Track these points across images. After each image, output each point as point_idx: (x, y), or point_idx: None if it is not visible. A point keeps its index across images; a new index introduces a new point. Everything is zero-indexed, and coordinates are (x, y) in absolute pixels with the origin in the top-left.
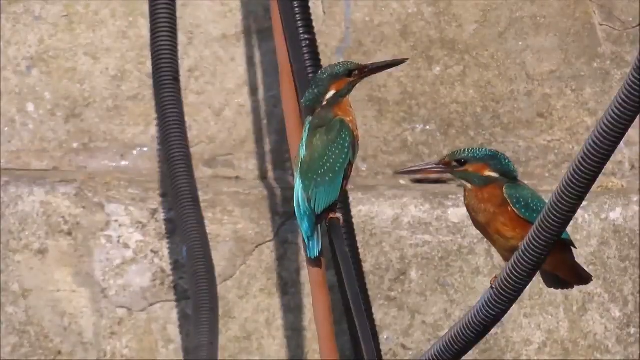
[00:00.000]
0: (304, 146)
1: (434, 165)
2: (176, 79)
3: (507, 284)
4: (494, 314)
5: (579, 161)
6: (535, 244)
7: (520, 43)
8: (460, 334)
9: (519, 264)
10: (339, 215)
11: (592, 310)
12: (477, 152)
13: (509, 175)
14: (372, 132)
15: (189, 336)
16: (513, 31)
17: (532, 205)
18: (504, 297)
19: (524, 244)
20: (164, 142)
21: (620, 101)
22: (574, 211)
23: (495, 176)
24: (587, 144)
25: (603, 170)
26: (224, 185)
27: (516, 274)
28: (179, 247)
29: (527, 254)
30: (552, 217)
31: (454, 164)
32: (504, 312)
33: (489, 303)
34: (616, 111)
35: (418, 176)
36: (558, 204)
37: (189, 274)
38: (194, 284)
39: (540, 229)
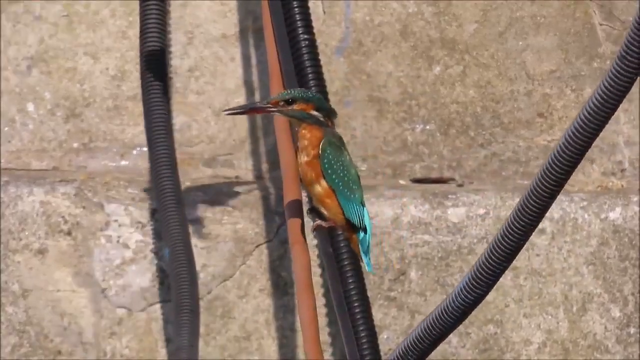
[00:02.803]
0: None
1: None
2: (163, 79)
3: (485, 268)
4: (472, 298)
5: (560, 147)
6: (514, 228)
7: (520, 43)
8: (438, 319)
9: (496, 248)
10: (324, 223)
11: (592, 310)
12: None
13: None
14: (372, 132)
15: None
16: (513, 31)
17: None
18: (482, 282)
19: (503, 228)
20: (150, 143)
21: (601, 92)
22: (553, 197)
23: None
24: (569, 130)
25: (603, 170)
26: (224, 185)
27: (494, 258)
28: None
29: (506, 239)
30: (532, 202)
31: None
32: (482, 296)
33: (466, 287)
34: (598, 99)
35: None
36: (538, 188)
37: (171, 275)
38: (176, 286)
39: (519, 214)
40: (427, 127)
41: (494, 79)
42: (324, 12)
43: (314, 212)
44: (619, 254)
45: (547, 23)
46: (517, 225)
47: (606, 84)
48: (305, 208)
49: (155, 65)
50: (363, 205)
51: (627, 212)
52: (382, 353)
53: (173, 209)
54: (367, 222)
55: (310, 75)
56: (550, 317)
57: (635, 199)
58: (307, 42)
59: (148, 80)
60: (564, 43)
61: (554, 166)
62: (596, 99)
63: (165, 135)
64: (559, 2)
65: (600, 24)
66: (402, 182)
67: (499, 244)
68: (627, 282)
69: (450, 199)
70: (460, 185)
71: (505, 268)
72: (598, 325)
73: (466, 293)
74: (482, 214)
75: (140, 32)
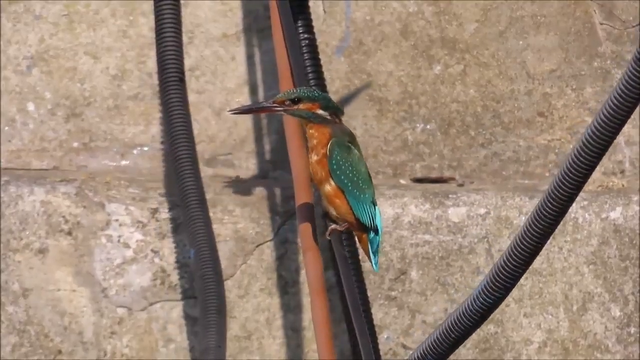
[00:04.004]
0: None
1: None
2: (182, 79)
3: (504, 271)
4: (491, 301)
5: (577, 151)
6: (532, 232)
7: (521, 42)
8: (457, 322)
9: (514, 252)
10: (339, 227)
11: (592, 310)
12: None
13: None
14: (372, 131)
15: (190, 336)
16: (513, 30)
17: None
18: (500, 285)
19: (521, 231)
20: (171, 143)
21: (618, 95)
22: (572, 199)
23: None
24: (587, 131)
25: (603, 170)
26: (225, 185)
27: (512, 262)
28: (179, 247)
29: (524, 241)
30: (550, 205)
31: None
32: (501, 299)
33: (485, 290)
34: (615, 102)
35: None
36: (556, 192)
37: (196, 276)
38: (202, 287)
39: (537, 217)
40: (428, 126)
41: (494, 78)
42: (325, 12)
43: (327, 216)
44: (620, 253)
45: (547, 22)
46: (535, 228)
47: (623, 85)
48: (317, 211)
49: (172, 63)
50: (374, 205)
51: (628, 211)
52: (381, 353)
53: (197, 208)
54: (378, 221)
55: (310, 75)
56: (550, 316)
57: (636, 198)
58: (307, 42)
59: (166, 79)
60: (565, 42)
61: (572, 169)
62: (612, 101)
63: (187, 134)
64: (559, 2)
65: (601, 24)
66: (402, 181)
67: (517, 247)
68: (628, 282)
69: (451, 198)
70: (460, 185)
71: (524, 271)
72: (598, 325)
73: (484, 296)
74: (482, 213)
75: (156, 31)
